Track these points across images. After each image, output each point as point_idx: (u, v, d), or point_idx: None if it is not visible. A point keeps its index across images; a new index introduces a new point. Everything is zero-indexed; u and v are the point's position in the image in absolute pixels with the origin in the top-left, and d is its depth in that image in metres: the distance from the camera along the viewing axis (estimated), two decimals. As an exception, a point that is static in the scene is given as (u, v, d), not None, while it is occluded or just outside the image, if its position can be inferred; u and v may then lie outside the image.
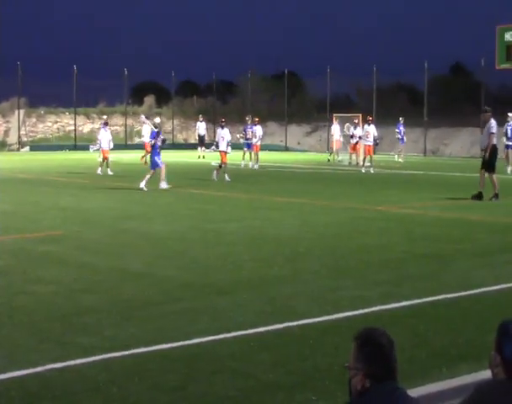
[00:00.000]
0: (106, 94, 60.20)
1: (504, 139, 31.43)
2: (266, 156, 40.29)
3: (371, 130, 33.05)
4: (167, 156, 35.12)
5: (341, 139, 40.92)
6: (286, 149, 52.82)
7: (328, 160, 39.78)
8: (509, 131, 31.39)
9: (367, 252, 12.11)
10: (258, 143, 35.02)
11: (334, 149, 40.81)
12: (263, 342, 7.34)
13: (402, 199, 20.21)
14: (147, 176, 22.84)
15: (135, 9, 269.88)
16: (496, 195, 19.96)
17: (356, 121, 38.17)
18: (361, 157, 35.22)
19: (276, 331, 7.67)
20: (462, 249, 12.49)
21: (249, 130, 35.11)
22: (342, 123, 41.46)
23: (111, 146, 31.18)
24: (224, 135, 27.75)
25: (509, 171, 30.00)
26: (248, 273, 10.44)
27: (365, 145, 32.98)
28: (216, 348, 7.11)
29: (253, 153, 34.76)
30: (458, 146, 47.39)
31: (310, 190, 23.30)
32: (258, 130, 35.47)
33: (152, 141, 23.59)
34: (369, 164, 31.89)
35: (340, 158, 39.46)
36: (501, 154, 27.09)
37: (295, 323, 7.89)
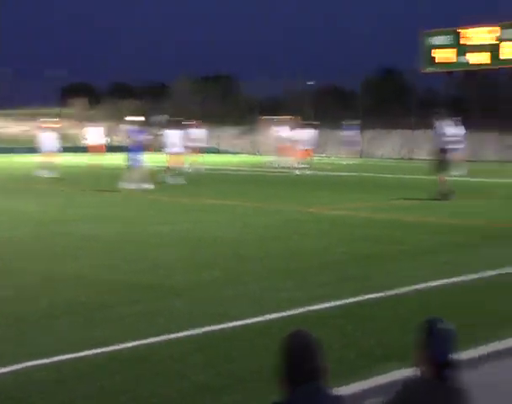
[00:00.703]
0: (34, 96, 59.21)
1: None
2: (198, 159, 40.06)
3: (307, 132, 33.25)
4: (103, 159, 34.82)
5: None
6: (218, 151, 52.79)
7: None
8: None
9: (306, 254, 12.21)
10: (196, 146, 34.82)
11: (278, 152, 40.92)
12: (198, 343, 7.38)
13: (334, 201, 20.40)
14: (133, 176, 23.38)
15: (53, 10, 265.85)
16: (444, 195, 20.46)
17: (287, 123, 38.45)
18: (293, 159, 35.50)
19: (211, 332, 7.71)
20: (402, 250, 12.71)
21: (190, 133, 34.85)
22: (274, 125, 41.51)
23: (54, 149, 30.70)
24: (172, 136, 28.07)
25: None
26: (186, 277, 10.42)
27: (301, 148, 33.19)
28: (160, 350, 7.14)
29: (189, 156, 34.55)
30: (389, 148, 48.11)
31: (242, 192, 23.33)
32: (201, 133, 35.40)
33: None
34: (304, 166, 32.11)
35: (272, 160, 39.56)
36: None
37: (229, 324, 7.94)
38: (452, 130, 25.06)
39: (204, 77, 64.67)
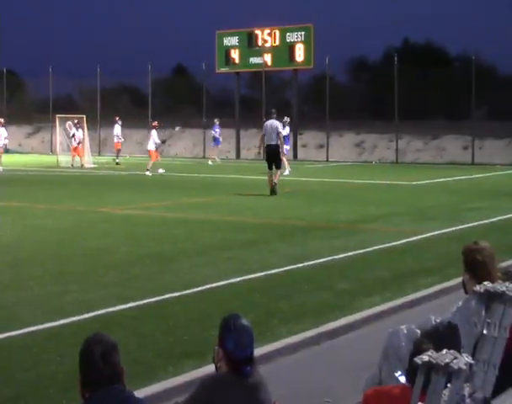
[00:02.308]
0: None
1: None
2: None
3: (153, 134, 32.64)
4: None
5: (120, 140, 40.10)
6: (7, 151, 50.69)
7: (117, 163, 38.11)
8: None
9: (92, 256, 11.96)
10: None
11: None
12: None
13: (127, 201, 20.19)
14: None
15: None
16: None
17: (77, 122, 37.68)
18: (85, 159, 34.92)
19: (-3, 342, 7.30)
20: (185, 248, 12.73)
21: None
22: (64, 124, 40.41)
23: None
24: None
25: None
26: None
27: (150, 149, 32.60)
28: None
29: None
30: (181, 147, 48.45)
31: (33, 193, 22.52)
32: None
33: None
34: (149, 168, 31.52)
35: (66, 160, 38.50)
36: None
37: (17, 332, 7.57)
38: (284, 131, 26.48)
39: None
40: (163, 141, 36.40)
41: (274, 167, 22.09)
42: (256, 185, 25.16)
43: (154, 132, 33.08)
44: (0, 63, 55.70)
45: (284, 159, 28.51)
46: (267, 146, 22.58)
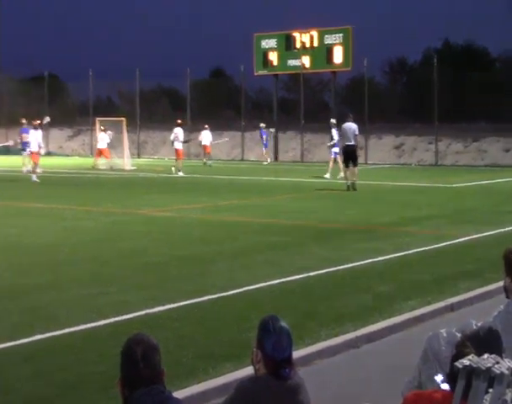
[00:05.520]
0: None
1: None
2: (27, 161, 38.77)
3: (179, 132, 33.03)
4: None
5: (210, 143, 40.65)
6: (49, 153, 51.28)
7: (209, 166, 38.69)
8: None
9: (129, 257, 12.03)
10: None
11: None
12: (24, 354, 7.02)
13: (164, 203, 20.28)
14: None
15: None
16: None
17: (104, 128, 38.14)
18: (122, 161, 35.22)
19: (38, 341, 7.38)
20: (222, 250, 12.75)
21: (24, 134, 33.44)
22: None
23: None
24: (37, 135, 28.93)
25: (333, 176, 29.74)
26: (5, 282, 9.98)
27: (177, 148, 32.83)
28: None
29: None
30: (219, 150, 48.58)
31: (73, 195, 22.74)
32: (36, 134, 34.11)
33: None
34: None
35: (104, 162, 38.83)
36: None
37: (56, 333, 7.64)
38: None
39: (29, 78, 62.47)
40: (187, 141, 36.50)
41: (352, 165, 24.06)
42: (293, 187, 25.16)
43: (180, 130, 33.21)
44: (42, 67, 56.26)
45: (330, 163, 29.52)
46: (345, 145, 24.70)
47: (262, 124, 41.56)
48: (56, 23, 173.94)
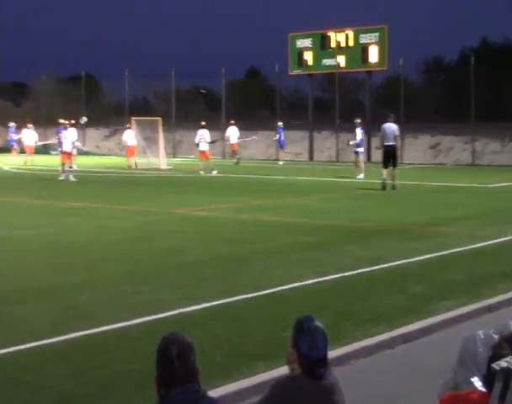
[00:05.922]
0: None
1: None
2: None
3: (205, 133, 33.30)
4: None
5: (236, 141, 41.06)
6: (86, 153, 51.68)
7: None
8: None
9: (164, 256, 12.08)
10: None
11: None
12: (59, 352, 7.09)
13: (199, 202, 20.34)
14: None
15: None
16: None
17: (129, 126, 38.49)
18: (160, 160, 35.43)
19: (73, 339, 7.44)
20: (257, 249, 12.74)
21: (61, 134, 33.78)
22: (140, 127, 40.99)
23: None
24: (68, 135, 28.99)
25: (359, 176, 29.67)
26: (42, 282, 10.06)
27: (203, 150, 33.07)
28: (9, 362, 6.77)
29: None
30: (254, 149, 48.55)
31: (107, 194, 22.91)
32: (72, 133, 34.46)
33: None
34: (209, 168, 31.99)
35: (139, 161, 39.03)
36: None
37: (91, 331, 7.69)
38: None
39: (66, 77, 63.05)
40: (214, 141, 36.59)
41: (391, 165, 24.01)
42: (328, 187, 25.08)
43: (206, 131, 33.35)
44: (80, 67, 56.75)
45: (361, 163, 29.19)
46: (385, 145, 24.40)
47: (279, 123, 41.49)
48: (94, 23, 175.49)
